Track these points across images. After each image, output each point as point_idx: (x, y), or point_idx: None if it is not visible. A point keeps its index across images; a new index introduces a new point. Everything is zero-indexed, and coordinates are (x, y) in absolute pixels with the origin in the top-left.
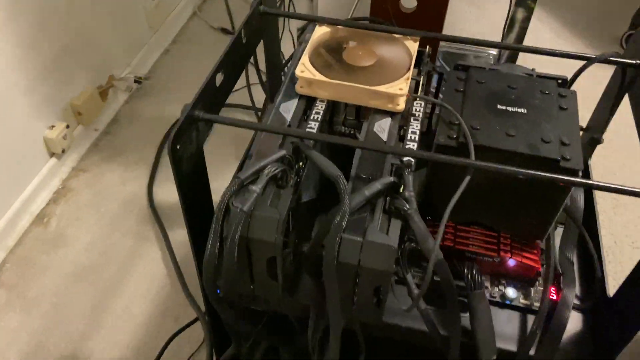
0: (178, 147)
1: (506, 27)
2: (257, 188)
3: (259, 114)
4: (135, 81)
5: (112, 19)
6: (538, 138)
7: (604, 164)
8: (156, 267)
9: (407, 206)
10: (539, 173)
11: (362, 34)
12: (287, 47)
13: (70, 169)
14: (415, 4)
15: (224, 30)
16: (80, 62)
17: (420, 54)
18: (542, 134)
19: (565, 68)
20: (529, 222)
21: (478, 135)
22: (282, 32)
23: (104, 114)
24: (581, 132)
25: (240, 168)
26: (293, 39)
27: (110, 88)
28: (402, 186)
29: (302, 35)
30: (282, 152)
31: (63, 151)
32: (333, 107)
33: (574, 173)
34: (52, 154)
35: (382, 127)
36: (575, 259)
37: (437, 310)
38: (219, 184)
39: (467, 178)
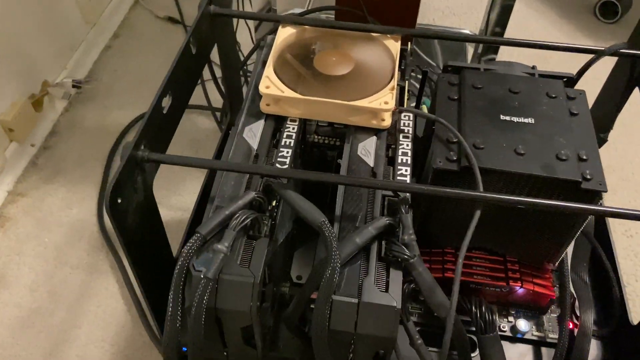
0: (119, 200)
1: (488, 7)
2: (223, 247)
3: (218, 114)
4: (74, 86)
5: (39, 17)
6: (552, 155)
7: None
8: (113, 303)
9: (408, 253)
10: (561, 203)
11: (334, 33)
12: (243, 37)
13: (6, 194)
14: None
15: (171, 20)
16: (5, 71)
17: (402, 53)
18: (556, 150)
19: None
20: (540, 247)
21: (482, 155)
22: (237, 23)
23: (40, 127)
24: None
25: (197, 210)
26: (250, 31)
27: (45, 96)
28: (400, 227)
29: (260, 28)
30: (251, 195)
31: None
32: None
33: (595, 195)
34: None
35: (367, 150)
36: (588, 278)
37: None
38: (178, 199)
39: (478, 213)
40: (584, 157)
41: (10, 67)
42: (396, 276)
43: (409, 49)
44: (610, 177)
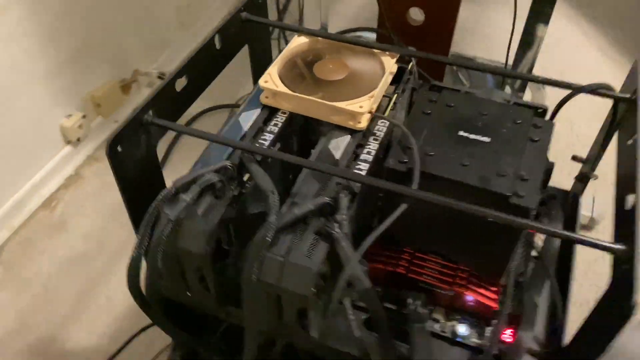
0: (119, 149)
1: (510, 44)
2: (187, 197)
3: None
4: (159, 77)
5: (140, 16)
6: (493, 170)
7: None
8: None
9: (337, 230)
10: (482, 209)
11: (341, 47)
12: None
13: (85, 157)
14: (423, 17)
15: None
16: (102, 56)
17: (401, 70)
18: (498, 167)
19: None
20: (485, 258)
21: (429, 162)
22: (284, 32)
23: (125, 107)
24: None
25: None
26: None
27: (134, 82)
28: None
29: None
30: (224, 163)
31: (79, 139)
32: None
33: (524, 212)
34: (68, 142)
35: (338, 145)
36: (545, 301)
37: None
38: None
39: (403, 206)
40: (525, 177)
41: (108, 53)
42: (323, 247)
43: (409, 67)
44: None
